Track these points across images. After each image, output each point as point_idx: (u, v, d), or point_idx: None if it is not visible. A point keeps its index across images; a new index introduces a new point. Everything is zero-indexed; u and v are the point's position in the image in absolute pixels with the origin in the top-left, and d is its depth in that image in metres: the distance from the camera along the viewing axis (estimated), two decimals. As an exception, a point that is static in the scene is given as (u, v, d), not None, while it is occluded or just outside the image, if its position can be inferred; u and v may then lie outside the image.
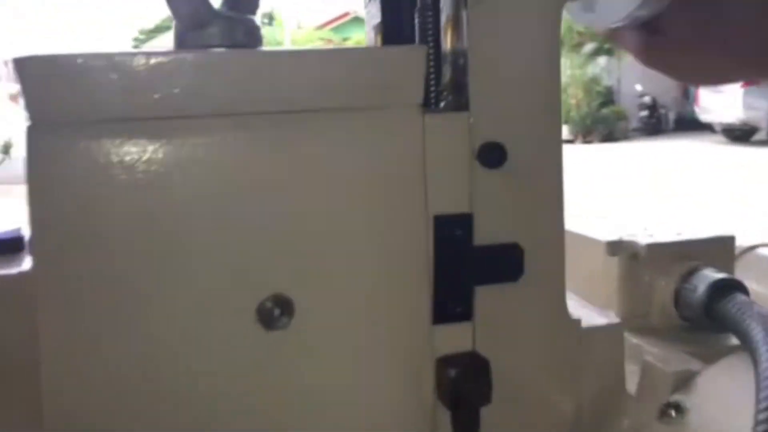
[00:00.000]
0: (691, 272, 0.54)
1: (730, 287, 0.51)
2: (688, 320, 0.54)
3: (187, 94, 0.39)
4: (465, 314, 0.45)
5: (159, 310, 0.40)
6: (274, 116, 0.41)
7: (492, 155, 0.44)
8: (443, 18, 0.46)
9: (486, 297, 0.45)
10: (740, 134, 9.54)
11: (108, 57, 0.38)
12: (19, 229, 0.48)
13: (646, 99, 10.74)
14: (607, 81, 10.78)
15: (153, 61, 0.39)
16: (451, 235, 0.44)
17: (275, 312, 0.41)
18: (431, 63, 0.48)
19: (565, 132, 10.01)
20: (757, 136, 9.37)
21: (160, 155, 0.39)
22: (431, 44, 0.50)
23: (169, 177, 0.39)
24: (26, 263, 0.46)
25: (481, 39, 0.44)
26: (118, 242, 0.39)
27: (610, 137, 9.85)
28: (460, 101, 0.45)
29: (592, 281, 0.59)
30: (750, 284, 0.67)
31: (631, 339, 0.54)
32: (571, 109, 10.24)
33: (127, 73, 0.38)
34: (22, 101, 0.38)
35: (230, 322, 0.41)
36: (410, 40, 0.52)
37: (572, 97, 10.27)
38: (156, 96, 0.39)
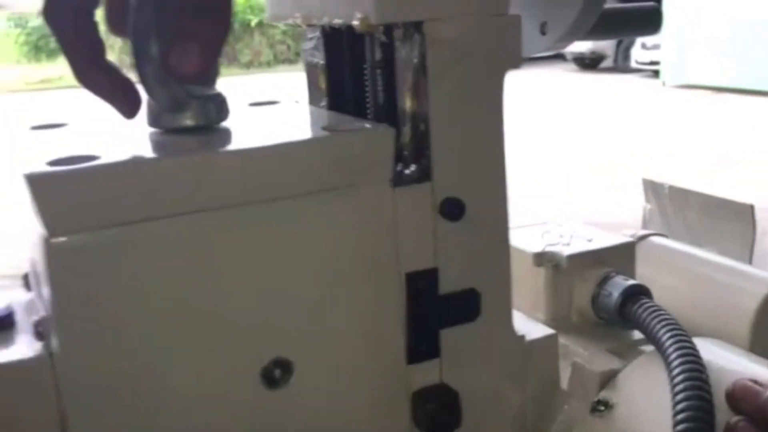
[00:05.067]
0: (605, 279, 0.64)
1: (638, 293, 0.61)
2: (603, 319, 0.64)
3: (189, 192, 0.43)
4: (434, 353, 0.52)
5: (178, 383, 0.44)
6: (261, 204, 0.45)
7: (453, 210, 0.51)
8: (403, 83, 0.51)
9: (450, 336, 0.52)
10: (589, 62, 10.19)
11: (123, 165, 0.41)
12: (8, 307, 0.49)
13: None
14: None
15: (163, 164, 0.42)
16: (421, 288, 0.50)
17: (276, 373, 0.47)
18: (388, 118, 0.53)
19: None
20: (604, 64, 10.08)
21: (168, 248, 0.43)
22: (383, 100, 0.55)
23: (178, 265, 0.43)
24: (24, 342, 0.48)
25: (442, 108, 0.49)
26: (137, 325, 0.43)
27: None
28: (421, 165, 0.51)
29: (522, 286, 0.68)
30: (643, 269, 0.79)
31: (560, 339, 0.63)
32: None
33: (140, 179, 0.41)
34: (36, 214, 0.40)
35: (239, 384, 0.46)
36: (356, 88, 0.57)
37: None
38: (163, 197, 0.42)
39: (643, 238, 0.79)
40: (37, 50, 18.36)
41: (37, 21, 19.08)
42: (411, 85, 0.50)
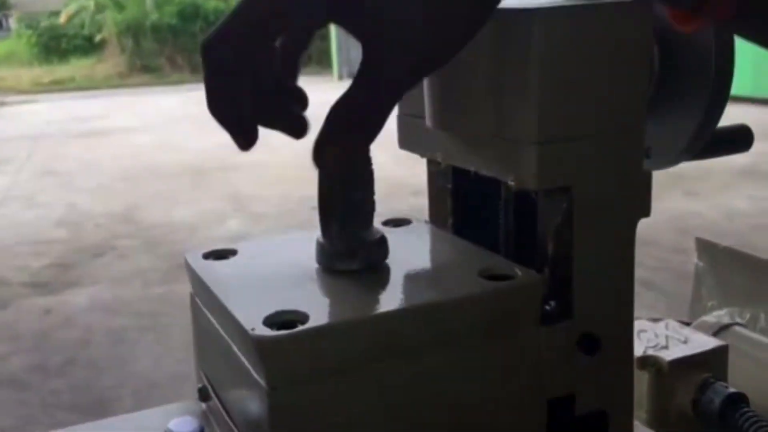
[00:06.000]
0: (705, 384, 0.69)
1: (739, 400, 0.67)
2: (702, 422, 0.70)
3: (380, 343, 0.49)
4: None
5: None
6: (431, 349, 0.51)
7: (590, 345, 0.56)
8: (545, 231, 0.57)
9: None
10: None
11: (335, 326, 0.47)
12: (200, 426, 0.55)
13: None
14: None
15: (367, 323, 0.49)
16: (561, 413, 0.56)
17: None
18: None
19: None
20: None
21: (363, 392, 0.49)
22: (518, 236, 0.61)
23: (369, 405, 0.49)
24: None
25: (585, 255, 0.55)
26: None
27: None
28: (561, 303, 0.56)
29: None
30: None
31: (663, 441, 0.69)
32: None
33: (348, 336, 0.47)
34: (256, 369, 0.46)
35: None
36: (487, 219, 0.63)
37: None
38: (361, 349, 0.48)
39: (725, 327, 0.85)
40: (47, 51, 18.47)
41: (48, 22, 19.21)
42: (554, 236, 0.56)
